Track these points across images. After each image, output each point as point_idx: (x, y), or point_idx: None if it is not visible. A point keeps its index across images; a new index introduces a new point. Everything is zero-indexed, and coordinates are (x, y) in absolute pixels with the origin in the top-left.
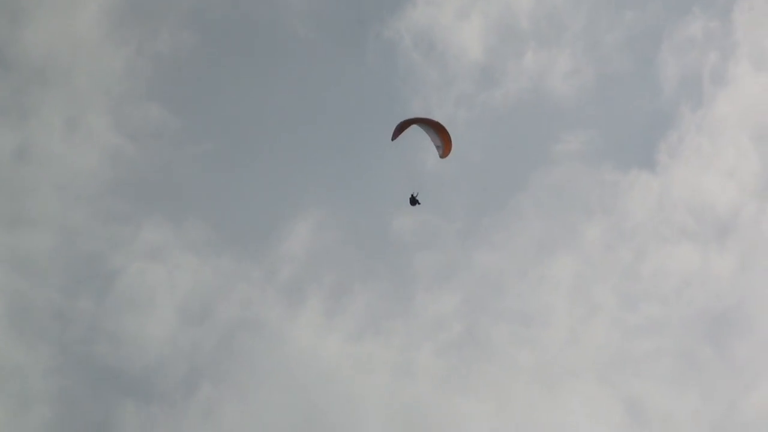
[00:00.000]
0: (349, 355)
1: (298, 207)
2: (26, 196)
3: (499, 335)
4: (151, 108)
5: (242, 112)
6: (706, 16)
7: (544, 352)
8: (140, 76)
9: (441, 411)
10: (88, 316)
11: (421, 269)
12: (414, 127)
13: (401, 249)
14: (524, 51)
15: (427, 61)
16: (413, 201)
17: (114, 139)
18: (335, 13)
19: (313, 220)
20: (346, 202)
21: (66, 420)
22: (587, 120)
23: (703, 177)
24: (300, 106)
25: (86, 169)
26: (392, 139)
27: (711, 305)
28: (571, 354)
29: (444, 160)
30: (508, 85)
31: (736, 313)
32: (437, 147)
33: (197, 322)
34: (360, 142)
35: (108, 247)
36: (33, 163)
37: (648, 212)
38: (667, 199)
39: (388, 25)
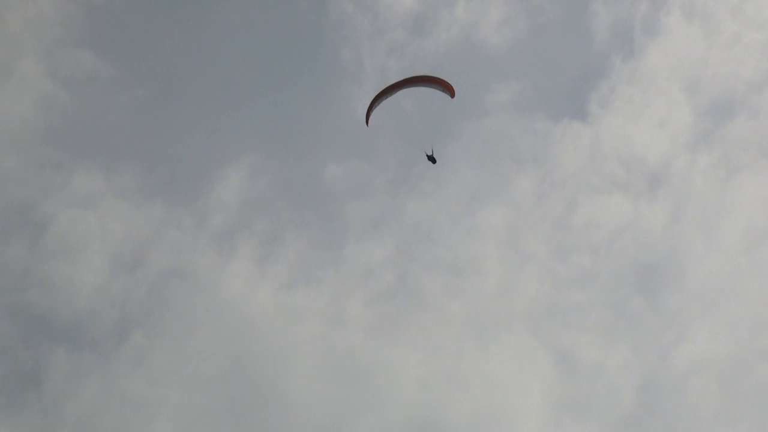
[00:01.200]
0: (281, 304)
1: (229, 155)
2: None
3: (430, 285)
4: (84, 55)
5: (173, 60)
6: None
7: (475, 302)
8: (73, 22)
9: (372, 360)
10: (19, 264)
11: (352, 219)
12: (386, 100)
13: (333, 198)
14: (456, 1)
15: (359, 10)
16: (431, 159)
17: (46, 86)
18: None
19: (245, 169)
20: (277, 151)
21: None
22: (519, 71)
23: (635, 128)
24: (231, 52)
25: (18, 115)
26: (366, 124)
27: (642, 257)
28: (502, 304)
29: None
30: (440, 34)
31: (666, 265)
32: (442, 91)
33: (128, 270)
34: (292, 89)
35: (40, 195)
36: None
37: (579, 163)
38: (598, 149)
39: None
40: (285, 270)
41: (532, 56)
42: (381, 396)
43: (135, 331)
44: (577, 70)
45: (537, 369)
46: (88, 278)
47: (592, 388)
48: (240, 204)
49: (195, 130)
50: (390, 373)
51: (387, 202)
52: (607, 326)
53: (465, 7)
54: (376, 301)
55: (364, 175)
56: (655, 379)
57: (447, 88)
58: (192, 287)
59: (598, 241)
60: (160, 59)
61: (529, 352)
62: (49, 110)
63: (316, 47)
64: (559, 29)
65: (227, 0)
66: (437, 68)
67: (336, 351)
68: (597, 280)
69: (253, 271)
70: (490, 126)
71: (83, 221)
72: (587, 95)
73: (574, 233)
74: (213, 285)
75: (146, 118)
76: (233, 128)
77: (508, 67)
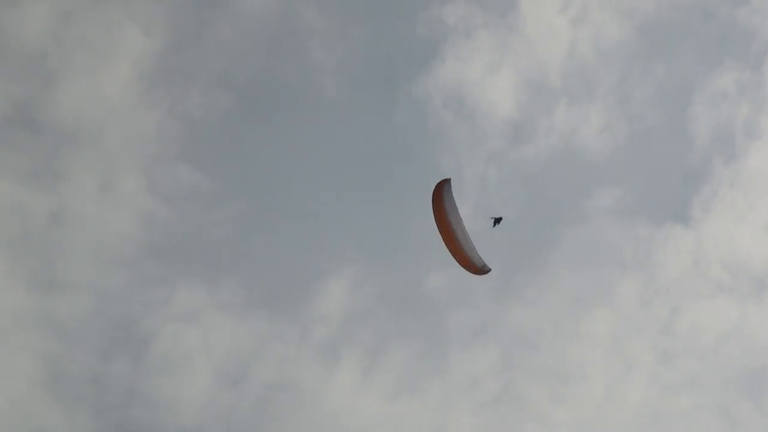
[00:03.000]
0: (386, 414)
1: (331, 266)
2: (61, 260)
3: (535, 393)
4: (183, 169)
5: (274, 173)
6: (738, 69)
7: (581, 410)
8: (172, 137)
9: None
10: (124, 380)
11: (455, 327)
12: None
13: (435, 307)
14: (555, 107)
15: (457, 119)
16: (496, 221)
17: (147, 202)
18: (364, 72)
19: (347, 280)
20: (379, 261)
21: None
22: (619, 175)
23: (738, 231)
24: (330, 163)
25: (120, 232)
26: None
27: (749, 361)
28: (608, 411)
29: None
30: (540, 141)
31: None
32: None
33: (233, 384)
34: (392, 201)
35: (143, 310)
36: (67, 227)
37: (683, 267)
38: (701, 253)
39: (417, 83)
40: (389, 380)
41: (632, 161)
42: None
43: None
44: (678, 175)
45: None
46: (192, 393)
47: None
48: (342, 315)
49: (296, 242)
50: None
51: (490, 310)
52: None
53: (565, 114)
54: (481, 410)
55: (465, 283)
56: None
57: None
58: (296, 400)
59: (705, 346)
60: (260, 172)
61: None
62: (151, 226)
63: (415, 157)
64: (660, 134)
65: (325, 112)
66: (537, 175)
67: None
68: (704, 386)
69: (357, 382)
70: (592, 231)
71: (186, 336)
72: (689, 199)
73: (680, 338)
74: (317, 397)
75: (247, 231)
76: (334, 240)
77: (609, 173)
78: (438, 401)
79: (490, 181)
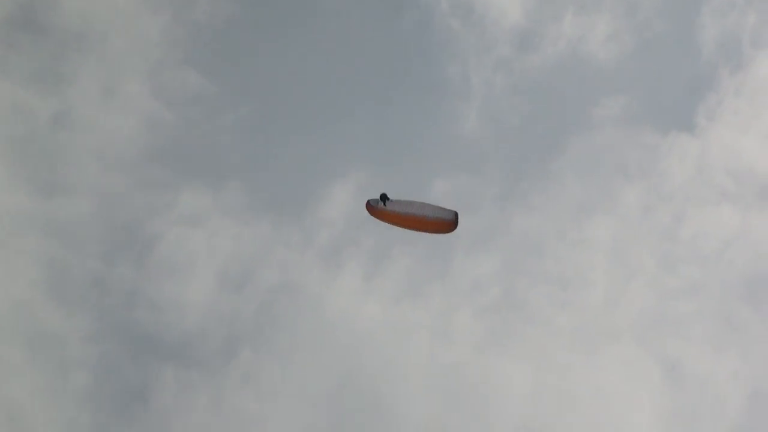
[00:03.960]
0: (388, 318)
1: (336, 171)
2: (63, 163)
3: (537, 298)
4: (188, 74)
5: (279, 78)
6: None
7: (582, 315)
8: (177, 41)
9: (479, 374)
10: (127, 283)
11: (459, 233)
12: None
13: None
14: (563, 15)
15: (465, 26)
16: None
17: (151, 106)
18: None
19: (352, 185)
20: (384, 167)
21: (105, 386)
22: (626, 84)
23: (743, 139)
24: (336, 69)
25: (124, 135)
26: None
27: (752, 267)
28: (610, 317)
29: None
30: (547, 49)
31: None
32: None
33: (236, 287)
34: (398, 105)
35: (146, 214)
36: (70, 130)
37: (687, 175)
38: (706, 161)
39: None
40: (392, 285)
41: (639, 70)
42: (487, 410)
43: (243, 348)
44: (684, 83)
45: (645, 381)
46: (195, 296)
47: (701, 400)
48: (346, 220)
49: (301, 147)
50: (497, 387)
51: (494, 216)
52: (716, 337)
53: (572, 22)
54: (483, 315)
55: (470, 190)
56: (765, 389)
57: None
58: (299, 304)
59: (707, 253)
60: (265, 76)
61: (637, 365)
62: (155, 130)
63: (422, 63)
64: (667, 42)
65: (332, 16)
66: (544, 82)
67: (443, 365)
68: (706, 291)
69: (360, 286)
70: (597, 139)
71: (190, 239)
72: (695, 108)
73: (682, 245)
74: (320, 301)
75: (252, 136)
76: (339, 145)
77: (616, 81)
78: (440, 306)
79: (496, 88)
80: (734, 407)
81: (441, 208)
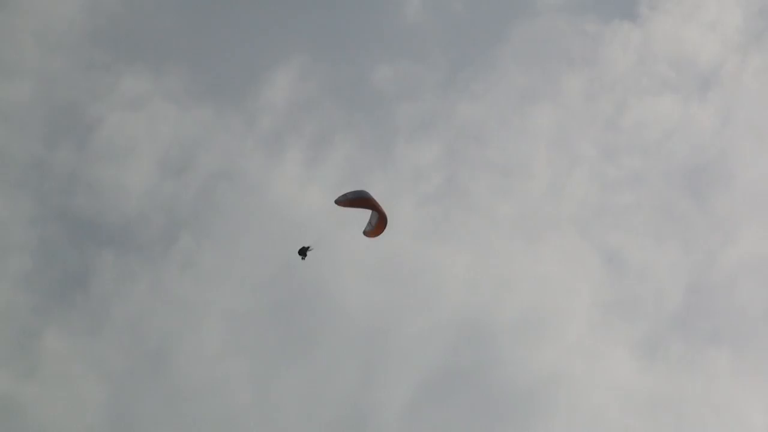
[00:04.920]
0: (329, 205)
1: (278, 56)
2: (3, 44)
3: (478, 187)
4: None
5: None
6: None
7: (524, 204)
8: None
9: (420, 262)
10: (67, 167)
11: (401, 120)
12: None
13: (382, 99)
14: None
15: None
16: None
17: None
18: None
19: (294, 70)
20: (327, 52)
21: (45, 270)
22: None
23: (685, 29)
24: None
25: (65, 16)
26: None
27: (692, 158)
28: (551, 206)
29: None
30: None
31: (716, 166)
32: (369, 224)
33: (177, 173)
34: None
35: (88, 97)
36: (9, 11)
37: (629, 64)
38: (648, 50)
39: None
40: (333, 172)
41: None
42: (428, 298)
43: (183, 233)
44: None
45: (585, 270)
46: (136, 181)
47: (640, 289)
48: (288, 106)
49: (243, 31)
50: (438, 274)
51: (436, 103)
52: (655, 227)
53: None
54: (424, 203)
55: (413, 77)
56: (703, 279)
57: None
58: (240, 190)
59: (648, 143)
60: None
61: (578, 254)
62: (96, 11)
63: None
64: None
65: None
66: None
67: (384, 253)
68: (646, 182)
69: (301, 173)
70: (541, 27)
71: (131, 123)
72: None
73: (624, 134)
74: (261, 187)
75: (195, 19)
76: (282, 29)
77: None
78: (382, 193)
79: None
80: (673, 297)
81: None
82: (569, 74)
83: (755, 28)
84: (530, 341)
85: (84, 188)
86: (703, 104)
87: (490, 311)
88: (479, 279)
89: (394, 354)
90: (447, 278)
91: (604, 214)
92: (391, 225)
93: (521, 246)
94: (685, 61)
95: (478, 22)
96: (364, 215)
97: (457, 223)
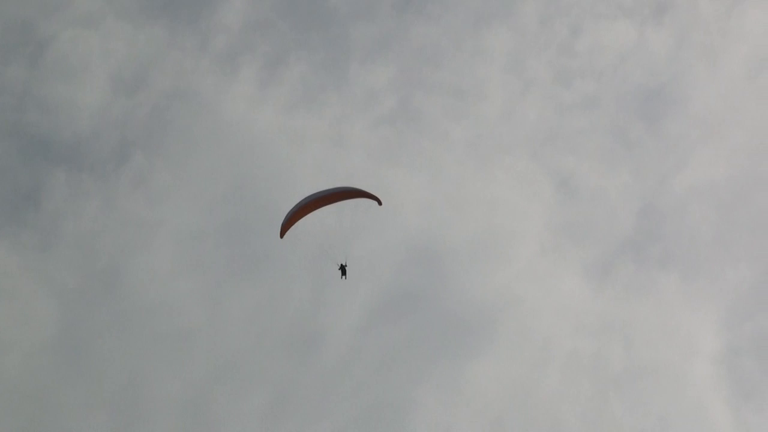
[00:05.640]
0: (282, 126)
1: None
2: None
3: (432, 109)
4: None
5: None
6: None
7: (478, 127)
8: None
9: (373, 183)
10: (18, 84)
11: (356, 41)
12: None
13: (337, 19)
14: None
15: None
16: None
17: None
18: None
19: None
20: None
21: None
22: None
23: None
24: None
25: None
26: (281, 236)
27: (645, 82)
28: (504, 129)
29: None
30: None
31: (669, 91)
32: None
33: (130, 91)
34: None
35: (39, 14)
36: None
37: None
38: None
39: None
40: (287, 92)
41: None
42: (381, 219)
43: (135, 152)
44: None
45: (537, 193)
46: (88, 99)
47: (592, 213)
48: (243, 25)
49: None
50: (391, 196)
51: (391, 24)
52: (608, 151)
53: None
54: (378, 124)
55: None
56: (654, 204)
57: (373, 199)
58: (194, 109)
59: (602, 67)
60: None
61: (530, 177)
62: None
63: None
64: None
65: None
66: None
67: (337, 174)
68: (600, 106)
69: (255, 93)
70: None
71: (84, 41)
72: None
73: (578, 58)
74: (215, 107)
75: None
76: None
77: None
78: (335, 115)
79: None
80: (624, 221)
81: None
82: None
83: None
84: (482, 264)
85: (36, 106)
86: (658, 29)
87: (442, 233)
88: (432, 201)
89: (347, 274)
90: (400, 200)
91: (557, 138)
92: (344, 145)
93: (474, 169)
94: None
95: None
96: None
97: (411, 145)
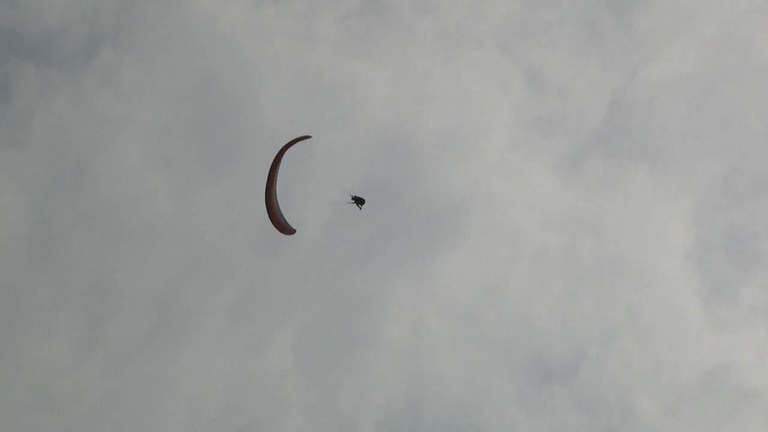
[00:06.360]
0: (251, 19)
1: None
2: None
3: (401, 1)
4: None
5: None
6: None
7: (446, 19)
8: None
9: (341, 77)
10: None
11: None
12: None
13: None
14: None
15: None
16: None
17: None
18: None
19: None
20: None
21: None
22: None
23: None
24: None
25: None
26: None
27: None
28: (473, 22)
29: None
30: None
31: None
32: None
33: None
34: None
35: None
36: None
37: None
38: None
39: None
40: None
41: None
42: (350, 113)
43: (104, 47)
44: None
45: (506, 87)
46: None
47: (561, 106)
48: None
49: None
50: (359, 90)
51: None
52: (577, 44)
53: None
54: (346, 18)
55: None
56: (624, 97)
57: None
58: (162, 3)
59: None
60: None
61: (499, 70)
62: None
63: None
64: None
65: None
66: None
67: (305, 68)
68: None
69: None
70: None
71: None
72: None
73: None
74: (183, 1)
75: None
76: None
77: None
78: (303, 9)
79: None
80: (593, 114)
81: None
82: None
83: None
84: (451, 157)
85: (4, 0)
86: None
87: (410, 127)
88: (400, 95)
89: (315, 169)
90: (368, 94)
91: (527, 31)
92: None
93: (443, 62)
94: None
95: None
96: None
97: (378, 38)
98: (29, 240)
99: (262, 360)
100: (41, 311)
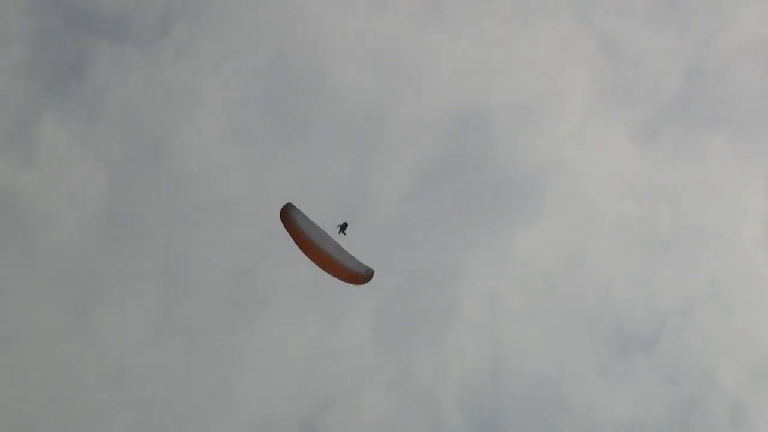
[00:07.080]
0: None
1: None
2: None
3: None
4: None
5: None
6: None
7: None
8: None
9: (414, 47)
10: None
11: None
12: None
13: None
14: None
15: None
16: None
17: None
18: None
19: None
20: None
21: (41, 61)
22: None
23: None
24: None
25: None
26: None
27: None
28: None
29: None
30: None
31: None
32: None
33: None
34: None
35: None
36: None
37: None
38: None
39: None
40: None
41: None
42: (422, 84)
43: (178, 23)
44: None
45: (581, 55)
46: None
47: (637, 75)
48: None
49: None
50: (433, 61)
51: None
52: (653, 11)
53: None
54: None
55: None
56: (701, 64)
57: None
58: None
59: None
60: None
61: (574, 39)
62: None
63: None
64: None
65: None
66: None
67: (378, 38)
68: None
69: None
70: None
71: None
72: None
73: None
74: None
75: None
76: None
77: None
78: None
79: None
80: (670, 82)
81: (355, 260)
82: None
83: None
84: (526, 128)
85: None
86: None
87: (485, 98)
88: (475, 65)
89: (390, 142)
90: (442, 65)
91: None
92: (385, 9)
93: (517, 31)
94: None
95: None
96: None
97: (452, 7)
98: (107, 217)
99: (340, 335)
100: (119, 288)
